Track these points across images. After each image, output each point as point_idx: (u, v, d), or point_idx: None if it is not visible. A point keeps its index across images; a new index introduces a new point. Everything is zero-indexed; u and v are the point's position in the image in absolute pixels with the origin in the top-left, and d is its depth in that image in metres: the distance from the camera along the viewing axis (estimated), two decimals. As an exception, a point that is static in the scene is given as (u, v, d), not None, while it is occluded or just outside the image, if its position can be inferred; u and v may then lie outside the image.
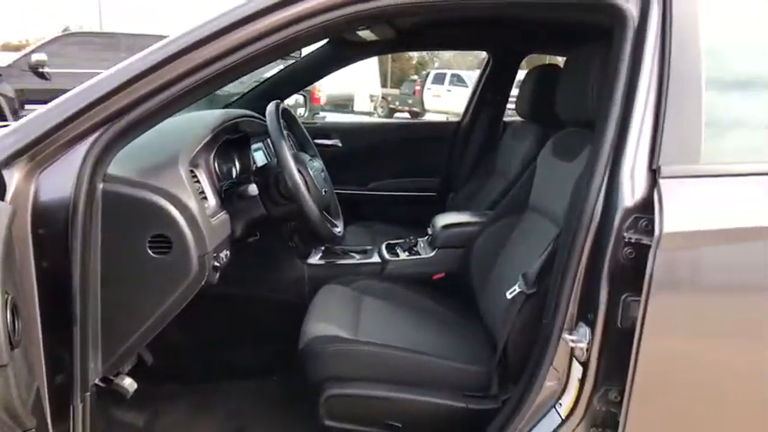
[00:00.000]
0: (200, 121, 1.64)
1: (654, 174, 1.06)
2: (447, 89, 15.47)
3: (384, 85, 20.04)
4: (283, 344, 1.70)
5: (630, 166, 1.07)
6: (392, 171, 2.99)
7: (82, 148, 1.06)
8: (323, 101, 12.96)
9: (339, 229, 1.87)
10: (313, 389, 1.45)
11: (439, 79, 15.98)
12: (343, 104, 15.05)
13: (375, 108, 16.55)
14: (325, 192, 1.78)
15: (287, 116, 1.89)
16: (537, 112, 2.21)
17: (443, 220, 2.10)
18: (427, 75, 16.91)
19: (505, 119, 2.97)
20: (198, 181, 1.42)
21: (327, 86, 13.38)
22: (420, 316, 1.74)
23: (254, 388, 1.99)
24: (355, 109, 15.46)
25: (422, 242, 2.14)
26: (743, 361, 1.12)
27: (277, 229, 1.99)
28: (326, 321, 1.58)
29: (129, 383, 1.28)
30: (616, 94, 1.11)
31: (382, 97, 17.23)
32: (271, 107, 1.77)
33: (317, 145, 2.11)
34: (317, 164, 1.86)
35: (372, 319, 1.66)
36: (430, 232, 2.11)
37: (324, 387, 1.43)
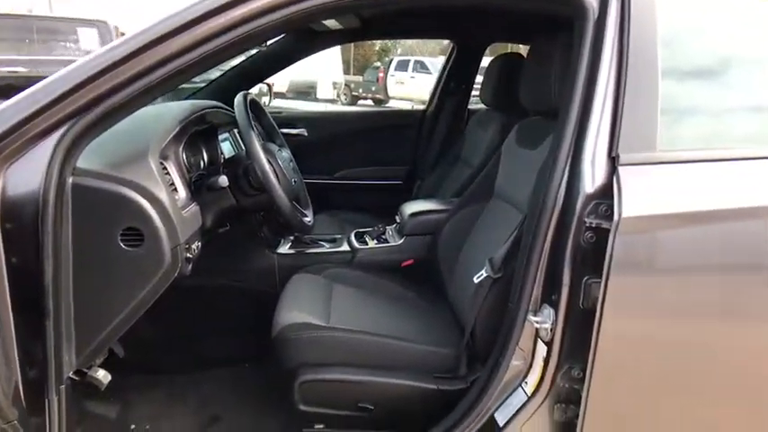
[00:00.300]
0: (168, 112, 1.62)
1: (613, 161, 1.11)
2: (410, 76, 15.46)
3: (347, 72, 19.92)
4: (255, 333, 1.71)
5: (591, 154, 1.12)
6: (359, 160, 3.00)
7: (50, 141, 1.04)
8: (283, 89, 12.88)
9: (309, 219, 1.88)
10: (287, 375, 1.47)
11: (402, 66, 15.96)
12: (306, 92, 14.94)
13: (338, 95, 16.46)
14: (294, 182, 1.80)
15: (255, 107, 1.88)
16: (501, 101, 2.25)
17: (411, 207, 2.12)
18: (390, 62, 16.85)
19: (470, 107, 3.01)
20: (168, 173, 1.41)
21: (290, 74, 13.25)
22: (390, 302, 1.78)
23: (227, 377, 1.99)
24: (318, 96, 15.36)
25: (390, 230, 2.16)
26: (698, 339, 1.18)
27: (246, 220, 1.99)
28: (299, 309, 1.60)
29: (102, 375, 1.29)
30: (577, 84, 1.15)
31: (345, 84, 17.14)
32: (239, 98, 1.76)
33: (284, 134, 2.11)
34: (286, 154, 1.86)
35: (344, 306, 1.69)
36: (398, 220, 2.14)
37: (298, 373, 1.45)
